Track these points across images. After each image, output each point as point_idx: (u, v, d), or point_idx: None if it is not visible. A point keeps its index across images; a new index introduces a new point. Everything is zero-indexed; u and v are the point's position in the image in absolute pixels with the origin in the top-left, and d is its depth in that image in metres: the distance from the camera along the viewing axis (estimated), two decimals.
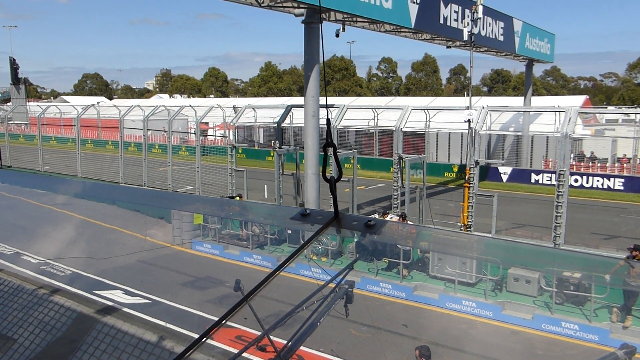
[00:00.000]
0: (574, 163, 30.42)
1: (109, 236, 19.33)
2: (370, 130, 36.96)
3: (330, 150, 2.19)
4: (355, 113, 28.71)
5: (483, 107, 17.90)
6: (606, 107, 51.23)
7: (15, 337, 7.30)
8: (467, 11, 23.68)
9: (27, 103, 46.77)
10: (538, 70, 78.25)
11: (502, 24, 29.61)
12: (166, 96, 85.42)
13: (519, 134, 34.03)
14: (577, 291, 12.61)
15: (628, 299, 11.81)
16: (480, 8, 21.54)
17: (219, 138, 40.48)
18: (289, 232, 16.91)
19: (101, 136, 43.37)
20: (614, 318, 12.06)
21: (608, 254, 12.16)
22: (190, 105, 31.26)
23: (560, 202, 14.83)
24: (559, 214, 14.84)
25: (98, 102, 58.04)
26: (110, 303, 13.63)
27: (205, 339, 2.12)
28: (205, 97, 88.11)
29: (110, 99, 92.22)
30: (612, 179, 28.07)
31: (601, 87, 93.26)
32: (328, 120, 2.36)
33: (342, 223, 2.21)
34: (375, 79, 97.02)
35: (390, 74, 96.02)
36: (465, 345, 11.62)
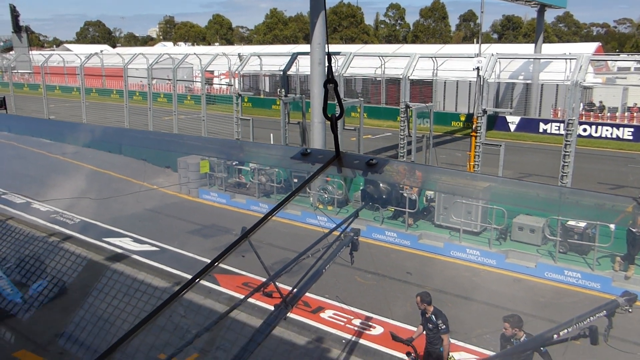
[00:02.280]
0: (583, 112, 30.01)
1: (117, 185, 19.48)
2: (377, 79, 36.44)
3: (332, 88, 2.15)
4: (362, 61, 28.24)
5: (492, 55, 17.53)
6: (618, 55, 50.01)
7: (29, 284, 7.47)
8: None
9: (30, 52, 46.19)
10: (550, 16, 76.20)
11: None
12: (170, 44, 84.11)
13: (529, 82, 33.46)
14: (581, 240, 12.69)
15: (631, 248, 11.88)
16: None
17: (225, 87, 40.06)
18: (295, 180, 16.98)
19: (105, 85, 43.04)
20: (616, 267, 12.18)
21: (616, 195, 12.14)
22: (194, 54, 30.83)
23: (567, 152, 14.72)
24: (565, 164, 14.76)
25: (101, 51, 57.30)
26: (119, 250, 13.89)
27: (201, 277, 2.14)
28: (209, 44, 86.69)
29: (114, 47, 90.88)
30: (621, 129, 27.78)
31: (614, 34, 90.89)
32: (328, 54, 2.30)
33: (343, 162, 2.18)
34: (382, 26, 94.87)
35: (398, 21, 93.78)
36: (469, 293, 11.83)
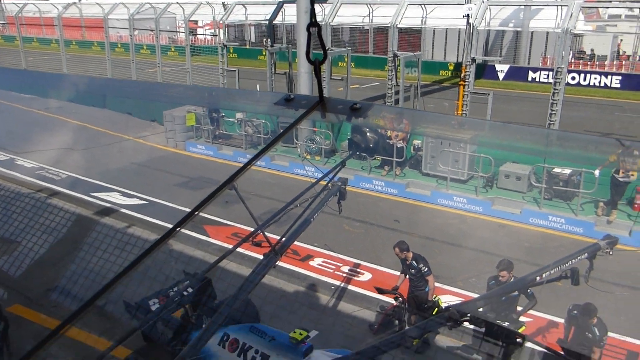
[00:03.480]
0: (573, 61, 29.82)
1: (103, 140, 19.27)
2: (365, 28, 35.76)
3: (315, 31, 2.10)
4: (350, 9, 27.61)
5: (483, 1, 17.22)
6: (610, 2, 49.29)
7: (18, 240, 7.47)
8: None
9: (2, 1, 44.47)
10: None
11: None
12: None
13: (519, 29, 33.02)
14: (565, 187, 12.86)
15: (614, 194, 12.08)
16: None
17: (209, 37, 39.15)
18: (282, 131, 16.88)
19: (85, 37, 41.83)
20: (599, 212, 12.41)
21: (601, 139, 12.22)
22: (177, 2, 29.90)
23: (555, 100, 14.72)
24: (553, 112, 14.79)
25: (79, 0, 55.28)
26: (108, 205, 13.86)
27: (183, 224, 2.14)
28: None
29: None
30: (609, 77, 27.67)
31: None
32: None
33: (327, 107, 2.15)
34: None
35: None
36: (456, 239, 12.04)
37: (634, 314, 9.03)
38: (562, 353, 6.62)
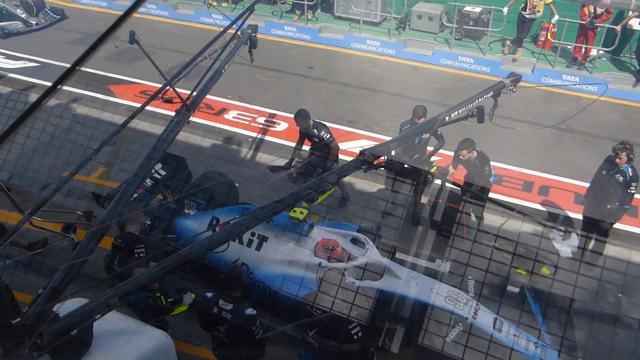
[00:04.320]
0: None
1: None
2: None
3: None
4: None
5: None
6: None
7: None
8: None
9: None
10: None
11: None
12: None
13: None
14: (475, 26, 12.98)
15: (520, 31, 12.37)
16: None
17: None
18: None
19: None
20: (505, 50, 12.77)
21: None
22: None
23: None
24: None
25: None
26: None
27: (64, 81, 1.93)
28: None
29: None
30: None
31: None
32: None
33: None
34: None
35: None
36: (370, 84, 12.13)
37: (532, 147, 9.81)
38: (463, 186, 7.10)
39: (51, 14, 15.84)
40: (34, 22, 15.28)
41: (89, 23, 15.37)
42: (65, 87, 2.02)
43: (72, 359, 3.32)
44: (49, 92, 1.95)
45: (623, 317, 5.14)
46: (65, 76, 1.93)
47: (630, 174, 6.61)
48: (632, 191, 6.63)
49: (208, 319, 4.86)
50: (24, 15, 15.24)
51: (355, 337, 4.47)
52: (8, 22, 15.05)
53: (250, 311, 4.68)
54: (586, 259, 6.79)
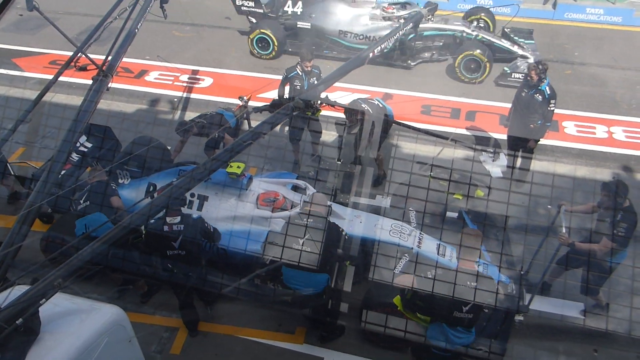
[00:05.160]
0: None
1: None
2: None
3: None
4: None
5: None
6: None
7: None
8: None
9: None
10: None
11: None
12: None
13: None
14: None
15: None
16: None
17: None
18: None
19: None
20: None
21: None
22: None
23: None
24: None
25: None
26: None
27: None
28: None
29: None
30: None
31: None
32: None
33: None
34: None
35: None
36: None
37: (454, 74, 10.02)
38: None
39: None
40: None
41: None
42: None
43: (21, 349, 3.22)
44: None
45: (554, 227, 5.49)
46: None
47: (549, 92, 6.94)
48: (552, 108, 6.98)
49: (160, 242, 5.05)
50: None
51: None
52: None
53: (195, 215, 5.26)
54: (515, 177, 7.14)
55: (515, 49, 10.05)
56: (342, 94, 9.43)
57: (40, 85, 5.75)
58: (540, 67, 6.94)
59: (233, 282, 5.32)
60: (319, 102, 6.45)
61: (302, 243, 4.66)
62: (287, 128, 8.07)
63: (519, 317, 5.41)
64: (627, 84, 9.99)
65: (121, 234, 3.88)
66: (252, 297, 5.29)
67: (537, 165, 7.32)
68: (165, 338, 5.77)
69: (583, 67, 10.54)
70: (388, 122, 7.08)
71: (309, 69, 7.35)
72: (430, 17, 10.08)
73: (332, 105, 6.56)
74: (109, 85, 5.47)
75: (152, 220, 4.91)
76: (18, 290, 3.36)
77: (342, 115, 6.99)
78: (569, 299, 5.78)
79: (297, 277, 4.97)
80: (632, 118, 9.04)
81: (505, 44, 10.13)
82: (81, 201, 5.62)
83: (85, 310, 3.64)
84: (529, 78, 7.04)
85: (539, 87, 6.96)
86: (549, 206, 5.66)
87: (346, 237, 5.31)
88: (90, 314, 3.60)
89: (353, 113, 6.84)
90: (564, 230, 5.29)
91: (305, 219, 4.76)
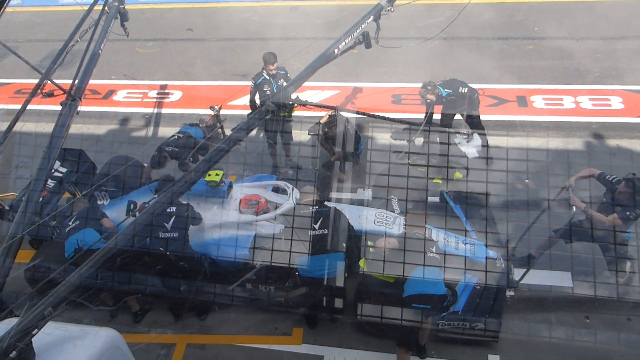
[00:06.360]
0: None
1: None
2: None
3: None
4: None
5: None
6: None
7: None
8: None
9: None
10: None
11: None
12: None
13: None
14: None
15: None
16: None
17: None
18: None
19: None
20: None
21: None
22: None
23: None
24: None
25: None
26: None
27: None
28: None
29: None
30: None
31: None
32: None
33: None
34: None
35: None
36: (254, 33, 11.84)
37: (423, 60, 10.10)
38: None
39: None
40: None
41: None
42: None
43: None
44: None
45: (533, 200, 5.59)
46: None
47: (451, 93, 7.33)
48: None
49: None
50: None
51: None
52: None
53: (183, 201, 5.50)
54: (490, 155, 7.25)
55: None
56: (313, 92, 9.47)
57: (9, 116, 5.68)
58: (428, 87, 7.33)
59: (226, 289, 5.33)
60: (290, 102, 6.47)
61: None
62: (262, 134, 8.08)
63: (510, 292, 5.51)
64: (590, 54, 10.16)
65: (109, 256, 3.86)
66: (247, 302, 5.30)
67: (511, 141, 7.44)
68: (162, 355, 5.75)
69: (545, 42, 10.69)
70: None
71: (274, 71, 7.37)
72: (390, 7, 10.11)
73: (304, 104, 6.59)
74: (78, 109, 5.43)
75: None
76: (9, 324, 3.33)
77: (315, 114, 7.02)
78: (556, 270, 5.89)
79: (314, 262, 5.13)
80: (596, 86, 9.23)
81: None
82: (70, 223, 5.58)
83: (78, 336, 3.62)
84: (428, 101, 7.38)
85: (442, 98, 7.32)
86: (527, 180, 5.76)
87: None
88: (83, 340, 3.59)
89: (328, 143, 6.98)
90: (571, 194, 5.39)
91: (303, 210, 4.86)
